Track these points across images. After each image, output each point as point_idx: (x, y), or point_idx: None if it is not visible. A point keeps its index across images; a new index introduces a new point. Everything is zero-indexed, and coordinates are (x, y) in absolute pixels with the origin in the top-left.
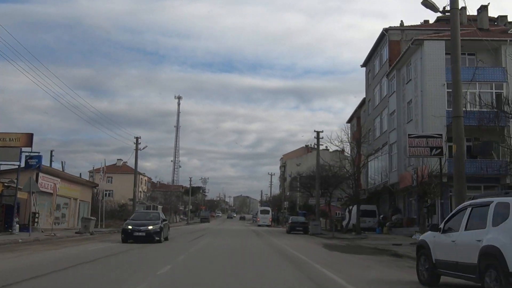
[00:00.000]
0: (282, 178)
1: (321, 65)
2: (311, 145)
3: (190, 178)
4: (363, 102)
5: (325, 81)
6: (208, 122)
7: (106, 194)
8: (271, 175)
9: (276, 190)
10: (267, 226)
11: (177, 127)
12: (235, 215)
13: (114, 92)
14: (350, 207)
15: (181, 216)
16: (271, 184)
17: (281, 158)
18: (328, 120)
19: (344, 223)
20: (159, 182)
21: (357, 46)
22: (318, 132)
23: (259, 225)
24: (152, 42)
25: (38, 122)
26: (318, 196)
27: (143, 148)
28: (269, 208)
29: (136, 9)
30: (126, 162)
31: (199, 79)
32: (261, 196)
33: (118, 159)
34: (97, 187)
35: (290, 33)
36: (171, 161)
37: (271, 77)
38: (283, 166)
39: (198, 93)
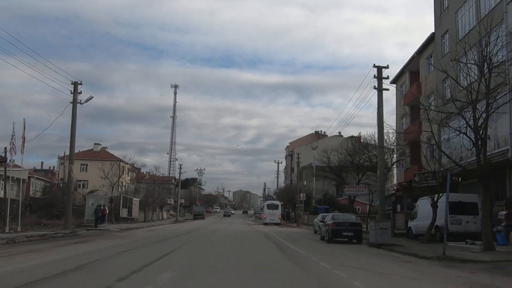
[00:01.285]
0: (290, 167)
1: (321, 60)
2: (321, 131)
3: (180, 165)
4: (426, 44)
5: (325, 77)
6: (207, 118)
7: (79, 185)
8: (278, 162)
9: (280, 183)
10: (276, 224)
11: (174, 118)
12: (233, 211)
13: (113, 87)
14: (435, 196)
15: (171, 212)
16: (278, 174)
17: (287, 146)
18: (327, 115)
19: (415, 224)
20: (148, 173)
21: (357, 41)
22: (380, 68)
23: (266, 223)
24: (151, 36)
25: (37, 117)
26: (383, 175)
27: (86, 101)
28: (278, 202)
29: (134, 3)
30: (105, 147)
31: (198, 74)
32: (264, 190)
33: (95, 144)
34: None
35: (290, 28)
36: (167, 153)
37: (271, 72)
38: (289, 155)
39: (197, 88)
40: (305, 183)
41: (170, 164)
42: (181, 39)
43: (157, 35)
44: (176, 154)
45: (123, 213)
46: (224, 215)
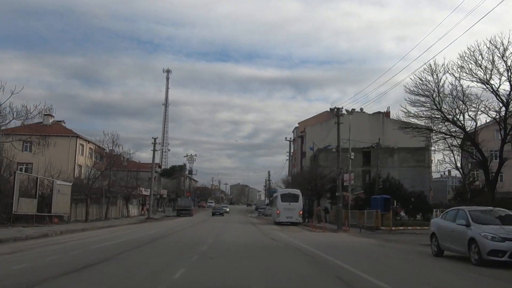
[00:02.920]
0: (300, 152)
1: (318, 55)
2: (337, 109)
3: (155, 139)
4: None
5: (322, 71)
6: (204, 112)
7: (21, 168)
8: (290, 141)
9: (285, 174)
10: (293, 224)
11: (166, 105)
12: (227, 209)
13: (108, 82)
14: None
15: (147, 207)
16: (289, 155)
17: (296, 127)
18: (325, 111)
19: None
20: (127, 159)
21: (354, 35)
22: None
23: (279, 223)
24: (146, 30)
25: None
26: None
27: None
28: (298, 192)
29: None
30: (62, 121)
31: (194, 68)
32: (268, 179)
33: (45, 115)
34: None
35: (286, 22)
36: (158, 143)
37: (268, 66)
38: (299, 138)
39: (193, 82)
40: (352, 156)
41: (162, 154)
42: (177, 33)
43: (153, 29)
44: (168, 144)
45: (24, 206)
46: (213, 214)
